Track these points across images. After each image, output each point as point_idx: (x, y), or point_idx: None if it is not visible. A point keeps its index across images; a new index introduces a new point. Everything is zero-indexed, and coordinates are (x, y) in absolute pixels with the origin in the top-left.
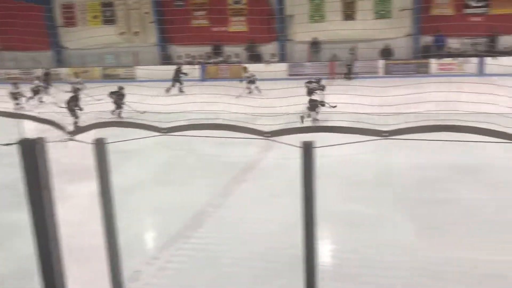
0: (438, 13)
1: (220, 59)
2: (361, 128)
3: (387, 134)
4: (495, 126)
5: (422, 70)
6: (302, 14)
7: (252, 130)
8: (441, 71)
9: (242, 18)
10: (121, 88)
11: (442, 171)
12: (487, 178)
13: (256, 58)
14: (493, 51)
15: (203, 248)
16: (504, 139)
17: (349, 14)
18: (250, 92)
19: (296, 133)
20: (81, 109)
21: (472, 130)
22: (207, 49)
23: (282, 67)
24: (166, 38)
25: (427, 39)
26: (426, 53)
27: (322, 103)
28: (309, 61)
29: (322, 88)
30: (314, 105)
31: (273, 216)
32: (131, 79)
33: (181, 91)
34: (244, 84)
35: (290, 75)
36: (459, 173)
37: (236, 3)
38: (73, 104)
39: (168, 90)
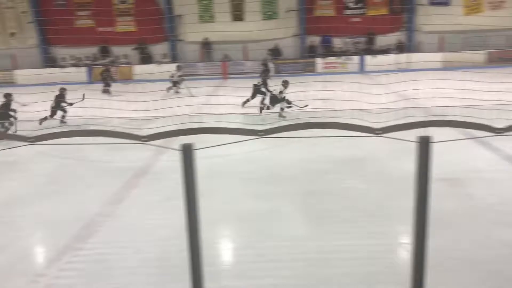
0: (321, 14)
1: (109, 60)
2: (238, 129)
3: (262, 134)
4: (363, 122)
5: (309, 69)
6: (192, 14)
7: (129, 135)
8: (326, 69)
9: (130, 18)
10: (63, 89)
11: (329, 164)
12: (369, 169)
13: (147, 59)
14: (372, 50)
15: (94, 259)
16: (370, 133)
17: (237, 15)
18: (176, 91)
19: (175, 136)
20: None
21: (340, 126)
22: (94, 50)
23: (174, 67)
24: (47, 39)
25: (314, 39)
26: (312, 52)
27: (289, 102)
28: (202, 62)
29: (285, 84)
30: (275, 100)
31: (168, 220)
32: (11, 83)
33: (107, 92)
34: (182, 84)
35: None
36: (345, 165)
37: (122, 2)
38: (7, 111)
39: (107, 92)
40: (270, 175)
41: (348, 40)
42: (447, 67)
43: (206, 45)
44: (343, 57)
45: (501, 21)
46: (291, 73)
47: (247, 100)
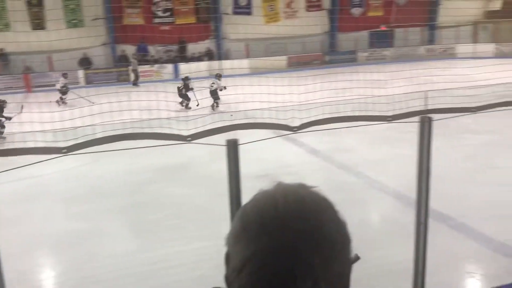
0: (130, 22)
1: None
2: (38, 148)
3: (65, 151)
4: (167, 129)
5: (122, 78)
6: None
7: None
8: (142, 78)
9: None
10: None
11: (150, 173)
12: (190, 174)
13: None
14: (184, 57)
15: None
16: (180, 141)
17: (38, 23)
18: (63, 103)
19: None
20: None
21: (150, 136)
22: None
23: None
24: None
25: (126, 48)
26: (125, 61)
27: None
28: None
29: (219, 77)
30: (215, 95)
31: None
32: None
33: None
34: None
35: None
36: (166, 173)
37: None
38: None
39: None
40: (90, 191)
41: (160, 48)
42: (254, 72)
43: (2, 56)
44: (157, 65)
45: (296, 29)
46: (104, 82)
47: (186, 104)
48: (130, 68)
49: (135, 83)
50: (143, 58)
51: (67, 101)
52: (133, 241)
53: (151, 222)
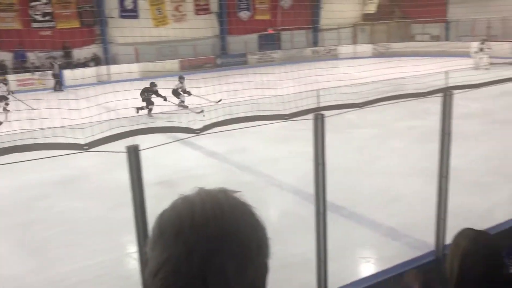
0: (3, 27)
1: None
2: None
3: None
4: (68, 139)
5: None
6: None
7: None
8: (22, 87)
9: None
10: None
11: (39, 189)
12: (83, 187)
13: None
14: (69, 64)
15: None
16: (77, 150)
17: None
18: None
19: None
20: None
21: (44, 146)
22: None
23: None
24: None
25: (3, 54)
26: (1, 69)
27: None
28: None
29: (181, 78)
30: (177, 94)
31: None
32: None
33: None
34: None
35: None
36: (56, 188)
37: None
38: None
39: None
40: None
41: (41, 54)
42: (145, 77)
43: None
44: (38, 73)
45: (186, 32)
46: None
47: (150, 110)
48: (51, 72)
49: (57, 89)
50: (22, 65)
51: (9, 108)
52: (26, 262)
53: (45, 241)
